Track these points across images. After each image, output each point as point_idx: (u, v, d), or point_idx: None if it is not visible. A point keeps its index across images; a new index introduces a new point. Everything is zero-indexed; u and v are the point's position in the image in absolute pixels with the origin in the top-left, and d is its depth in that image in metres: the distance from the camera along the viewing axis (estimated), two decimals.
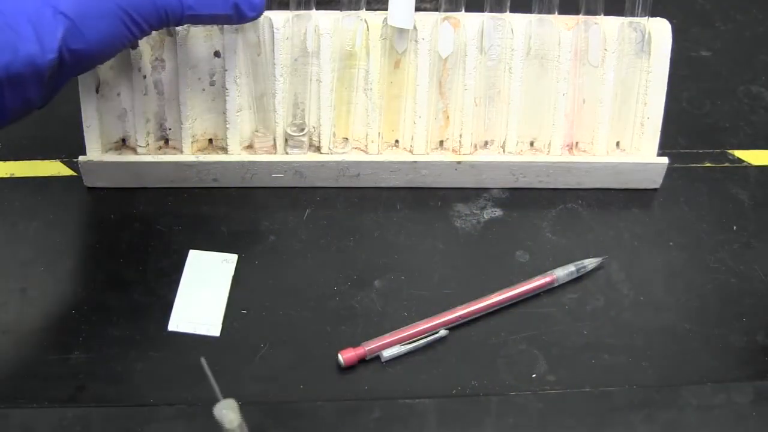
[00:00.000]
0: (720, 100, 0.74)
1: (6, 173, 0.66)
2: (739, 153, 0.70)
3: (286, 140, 0.64)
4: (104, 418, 0.50)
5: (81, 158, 0.63)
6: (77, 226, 0.62)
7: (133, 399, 0.52)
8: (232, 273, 0.59)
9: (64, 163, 0.66)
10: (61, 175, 0.65)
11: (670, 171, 0.65)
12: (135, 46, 0.61)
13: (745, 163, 0.69)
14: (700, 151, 0.70)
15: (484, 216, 0.64)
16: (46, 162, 0.66)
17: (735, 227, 0.64)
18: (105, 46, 0.51)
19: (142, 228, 0.62)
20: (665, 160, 0.64)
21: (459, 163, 0.64)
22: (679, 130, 0.70)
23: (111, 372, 0.53)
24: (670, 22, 0.63)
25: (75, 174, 0.65)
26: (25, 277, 0.59)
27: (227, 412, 0.41)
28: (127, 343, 0.55)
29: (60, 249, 0.60)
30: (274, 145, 0.64)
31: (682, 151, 0.69)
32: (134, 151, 0.64)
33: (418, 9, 0.62)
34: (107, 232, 0.62)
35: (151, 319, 0.56)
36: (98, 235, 0.62)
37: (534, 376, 0.54)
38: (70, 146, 0.65)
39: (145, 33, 0.53)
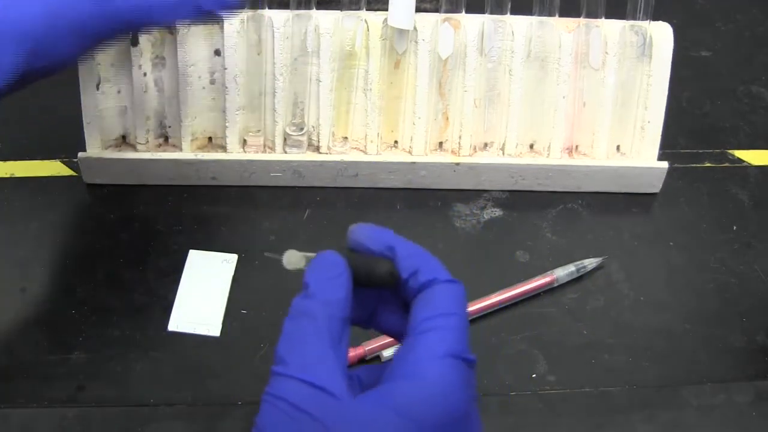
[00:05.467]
0: (720, 100, 0.74)
1: (6, 173, 0.65)
2: (739, 153, 0.70)
3: (285, 139, 0.64)
4: (104, 418, 0.50)
5: (81, 155, 0.63)
6: (77, 226, 0.62)
7: (133, 399, 0.52)
8: (232, 273, 0.59)
9: (64, 163, 0.66)
10: (61, 175, 0.65)
11: (671, 171, 0.65)
12: (136, 43, 0.61)
13: (745, 163, 0.69)
14: (700, 151, 0.70)
15: (484, 216, 0.64)
16: (46, 162, 0.66)
17: (735, 227, 0.64)
18: (66, 62, 0.49)
19: (142, 228, 0.62)
20: (665, 164, 0.64)
21: (458, 164, 0.64)
22: (679, 130, 0.70)
23: (111, 372, 0.53)
24: (670, 22, 0.63)
25: (75, 174, 0.65)
26: (25, 277, 0.59)
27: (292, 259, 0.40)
28: (127, 343, 0.55)
29: (60, 249, 0.60)
30: (265, 145, 0.65)
31: (682, 151, 0.69)
32: (134, 148, 0.64)
33: (418, 10, 0.62)
34: (107, 232, 0.62)
35: (151, 319, 0.56)
36: (98, 235, 0.61)
37: (534, 376, 0.54)
38: (70, 146, 0.64)
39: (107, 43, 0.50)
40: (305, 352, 0.36)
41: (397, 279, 0.38)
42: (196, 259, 0.60)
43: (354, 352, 0.54)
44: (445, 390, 0.35)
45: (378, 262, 0.38)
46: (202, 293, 0.58)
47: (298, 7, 0.62)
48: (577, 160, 0.65)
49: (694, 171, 0.68)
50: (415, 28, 0.62)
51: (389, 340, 0.54)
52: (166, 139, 0.65)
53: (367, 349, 0.54)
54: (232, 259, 0.60)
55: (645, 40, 0.63)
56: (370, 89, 0.63)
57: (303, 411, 0.34)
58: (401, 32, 0.62)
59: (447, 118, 0.65)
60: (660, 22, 0.63)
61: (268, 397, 0.35)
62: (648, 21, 0.62)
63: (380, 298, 0.40)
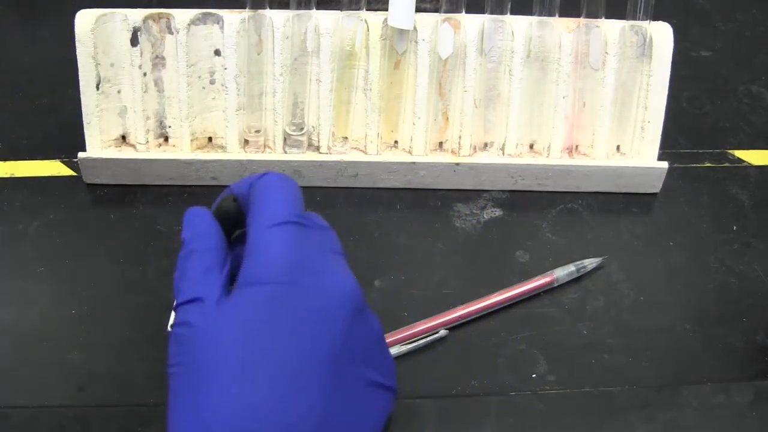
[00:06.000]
0: (720, 100, 0.74)
1: (6, 173, 0.65)
2: (739, 153, 0.70)
3: (285, 139, 0.64)
4: (104, 418, 0.50)
5: (81, 155, 0.63)
6: (77, 226, 0.62)
7: (133, 399, 0.52)
8: None
9: (64, 163, 0.66)
10: (61, 175, 0.65)
11: (671, 171, 0.65)
12: (136, 43, 0.61)
13: (745, 163, 0.69)
14: (700, 151, 0.70)
15: (484, 216, 0.64)
16: (46, 162, 0.66)
17: (735, 227, 0.64)
18: None
19: (142, 228, 0.62)
20: (665, 164, 0.64)
21: (458, 164, 0.64)
22: (679, 130, 0.70)
23: (111, 372, 0.53)
24: (670, 22, 0.63)
25: (75, 174, 0.65)
26: (25, 277, 0.59)
27: None
28: (127, 343, 0.55)
29: (60, 249, 0.60)
30: (265, 145, 0.65)
31: (682, 151, 0.69)
32: (134, 148, 0.65)
33: (418, 10, 0.62)
34: (107, 232, 0.62)
35: (151, 319, 0.56)
36: (98, 235, 0.62)
37: (534, 376, 0.54)
38: (70, 146, 0.65)
39: None
40: (186, 282, 0.41)
41: (238, 199, 0.44)
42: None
43: None
44: (273, 250, 0.39)
45: (223, 199, 0.45)
46: None
47: (298, 7, 0.62)
48: (577, 160, 0.65)
49: (694, 171, 0.68)
50: (415, 28, 0.62)
51: (389, 339, 0.54)
52: (166, 139, 0.65)
53: None
54: None
55: (645, 40, 0.63)
56: (370, 89, 0.63)
57: (183, 324, 0.39)
58: (401, 32, 0.62)
59: (447, 118, 0.65)
60: (660, 22, 0.63)
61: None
62: (648, 21, 0.62)
63: None
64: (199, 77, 0.63)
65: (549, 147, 0.65)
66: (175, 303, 0.41)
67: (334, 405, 0.38)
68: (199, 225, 0.43)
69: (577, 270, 0.59)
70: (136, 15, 0.62)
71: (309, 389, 0.37)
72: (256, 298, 0.38)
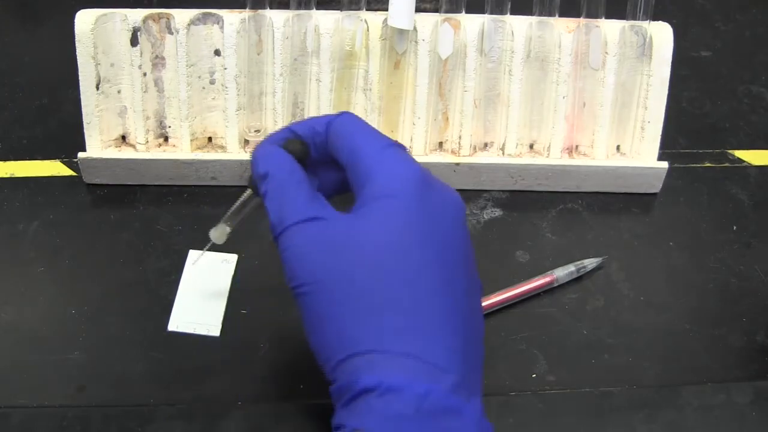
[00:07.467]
0: (720, 100, 0.74)
1: (6, 173, 0.65)
2: (739, 153, 0.70)
3: None
4: (104, 418, 0.50)
5: (81, 155, 0.63)
6: (77, 226, 0.62)
7: (133, 399, 0.52)
8: (232, 273, 0.59)
9: (64, 163, 0.66)
10: (61, 175, 0.65)
11: (671, 171, 0.65)
12: (136, 43, 0.61)
13: (745, 163, 0.69)
14: (700, 151, 0.70)
15: (484, 216, 0.64)
16: (46, 162, 0.66)
17: (735, 227, 0.64)
18: None
19: (142, 228, 0.62)
20: (665, 164, 0.64)
21: (458, 164, 0.64)
22: (679, 130, 0.70)
23: (111, 372, 0.53)
24: (670, 22, 0.63)
25: (75, 174, 0.65)
26: (25, 277, 0.59)
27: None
28: (127, 343, 0.55)
29: (60, 249, 0.60)
30: None
31: (682, 151, 0.69)
32: (134, 148, 0.65)
33: (418, 10, 0.62)
34: (107, 232, 0.62)
35: (151, 319, 0.56)
36: (98, 235, 0.62)
37: (534, 376, 0.54)
38: (70, 146, 0.65)
39: None
40: (293, 207, 0.41)
41: (305, 141, 0.45)
42: (196, 259, 0.60)
43: None
44: (396, 166, 0.42)
45: (289, 141, 0.46)
46: (202, 293, 0.58)
47: (298, 7, 0.62)
48: (577, 160, 0.65)
49: (694, 171, 0.68)
50: (415, 28, 0.62)
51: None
52: (166, 139, 0.65)
53: None
54: (232, 259, 0.60)
55: (645, 40, 0.63)
56: (370, 89, 0.63)
57: (305, 243, 0.40)
58: (401, 32, 0.62)
59: (447, 118, 0.65)
60: (660, 22, 0.63)
61: (284, 254, 0.41)
62: (648, 21, 0.62)
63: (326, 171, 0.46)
64: (199, 77, 0.63)
65: (549, 147, 0.65)
66: (277, 230, 0.41)
67: (471, 309, 0.41)
68: (281, 160, 0.44)
69: (577, 270, 0.59)
70: (136, 15, 0.62)
71: (456, 295, 0.40)
72: (392, 210, 0.40)
